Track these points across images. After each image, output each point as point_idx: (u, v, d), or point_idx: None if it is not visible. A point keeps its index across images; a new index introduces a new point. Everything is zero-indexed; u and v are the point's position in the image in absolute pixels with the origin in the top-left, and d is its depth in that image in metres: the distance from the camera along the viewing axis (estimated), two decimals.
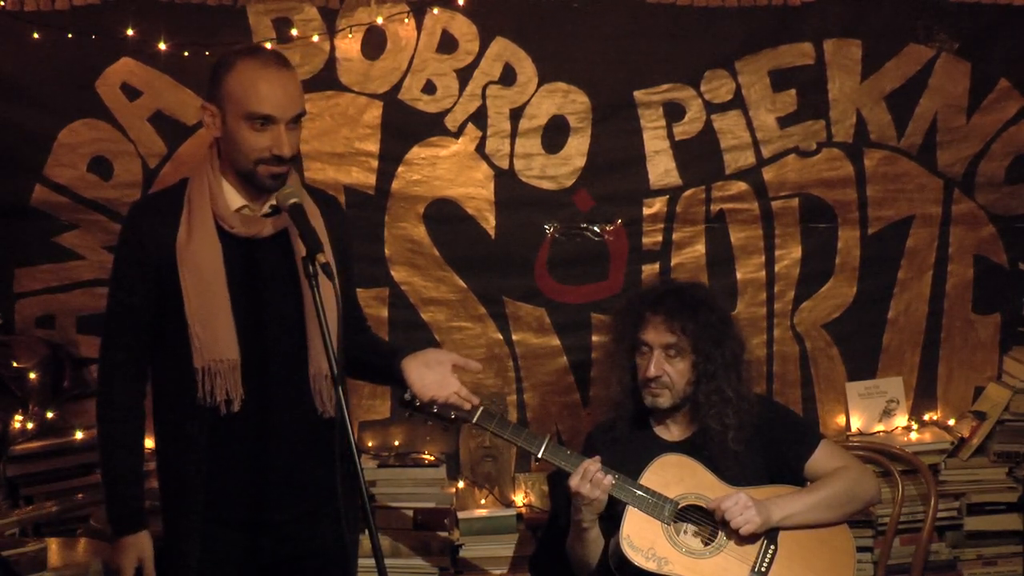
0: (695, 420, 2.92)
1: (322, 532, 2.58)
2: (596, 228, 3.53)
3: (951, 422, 3.72)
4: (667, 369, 2.87)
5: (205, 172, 2.47)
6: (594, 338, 3.54)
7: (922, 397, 3.74)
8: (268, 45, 3.27)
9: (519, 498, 3.55)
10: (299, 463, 2.55)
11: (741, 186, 3.56)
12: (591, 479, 2.74)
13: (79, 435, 3.27)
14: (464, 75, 3.41)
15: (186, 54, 3.22)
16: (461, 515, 3.46)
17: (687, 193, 3.54)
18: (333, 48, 3.34)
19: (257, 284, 2.48)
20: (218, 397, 2.43)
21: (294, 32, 3.30)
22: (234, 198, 2.47)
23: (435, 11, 3.35)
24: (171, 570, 2.54)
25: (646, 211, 3.54)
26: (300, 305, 2.48)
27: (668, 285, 3.08)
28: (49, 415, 3.30)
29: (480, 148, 3.45)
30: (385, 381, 2.97)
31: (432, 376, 2.58)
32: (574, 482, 2.75)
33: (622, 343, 2.97)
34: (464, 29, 3.38)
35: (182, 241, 2.43)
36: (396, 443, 3.50)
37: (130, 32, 3.19)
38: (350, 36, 3.33)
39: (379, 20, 3.32)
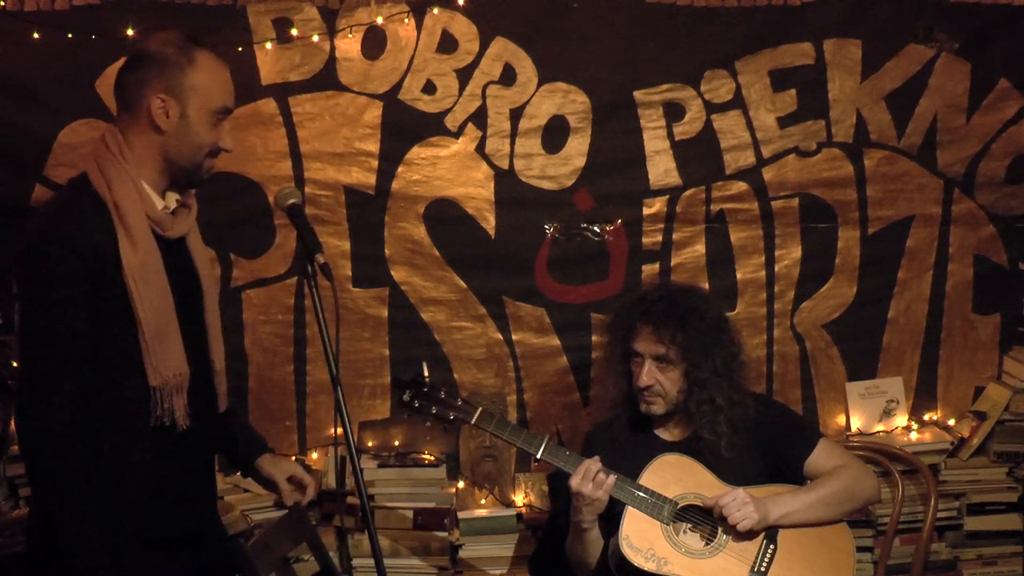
0: (691, 424, 2.92)
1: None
2: (596, 228, 3.53)
3: (951, 422, 3.72)
4: (659, 378, 2.86)
5: (124, 172, 2.23)
6: (594, 338, 3.53)
7: (922, 397, 3.74)
8: (268, 45, 3.28)
9: (519, 498, 3.55)
10: (212, 467, 2.47)
11: (741, 186, 3.56)
12: (593, 479, 2.73)
13: None
14: (464, 75, 3.40)
15: None
16: (461, 515, 3.46)
17: (687, 193, 3.54)
18: (333, 48, 3.34)
19: (177, 288, 2.31)
20: (177, 414, 2.25)
21: (294, 32, 3.29)
22: (155, 198, 2.30)
23: (435, 11, 3.35)
24: None
25: (646, 211, 3.54)
26: (201, 305, 2.40)
27: (659, 292, 3.01)
28: None
29: (480, 148, 3.45)
30: None
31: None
32: (575, 482, 2.75)
33: (616, 351, 2.96)
34: (464, 29, 3.38)
35: (127, 251, 2.19)
36: (396, 443, 3.50)
37: (130, 32, 3.19)
38: (350, 36, 3.33)
39: (379, 20, 3.32)
